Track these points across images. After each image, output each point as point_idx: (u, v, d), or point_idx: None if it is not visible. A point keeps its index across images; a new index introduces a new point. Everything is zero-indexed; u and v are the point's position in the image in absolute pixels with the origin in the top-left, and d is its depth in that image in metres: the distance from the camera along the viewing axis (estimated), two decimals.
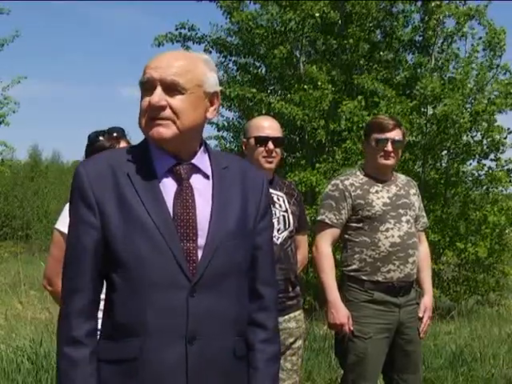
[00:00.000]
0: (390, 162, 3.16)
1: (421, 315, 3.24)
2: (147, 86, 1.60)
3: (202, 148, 1.70)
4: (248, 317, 1.71)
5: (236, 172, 1.72)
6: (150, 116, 1.60)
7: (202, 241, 1.60)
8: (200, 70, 1.64)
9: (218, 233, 1.62)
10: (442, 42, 10.40)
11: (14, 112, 14.38)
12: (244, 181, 1.72)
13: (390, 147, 3.12)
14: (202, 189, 1.65)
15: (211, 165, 1.69)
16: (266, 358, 1.73)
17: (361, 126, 8.85)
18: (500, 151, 9.85)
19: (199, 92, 1.63)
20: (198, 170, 1.66)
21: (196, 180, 1.65)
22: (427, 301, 3.28)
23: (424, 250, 3.38)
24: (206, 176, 1.67)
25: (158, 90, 1.58)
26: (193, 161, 1.66)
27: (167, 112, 1.59)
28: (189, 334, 1.56)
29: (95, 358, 1.57)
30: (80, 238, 1.59)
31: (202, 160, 1.68)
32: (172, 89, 1.59)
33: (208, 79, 1.65)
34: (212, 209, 1.63)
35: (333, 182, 3.25)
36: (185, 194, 1.62)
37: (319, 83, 9.22)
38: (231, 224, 1.64)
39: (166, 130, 1.59)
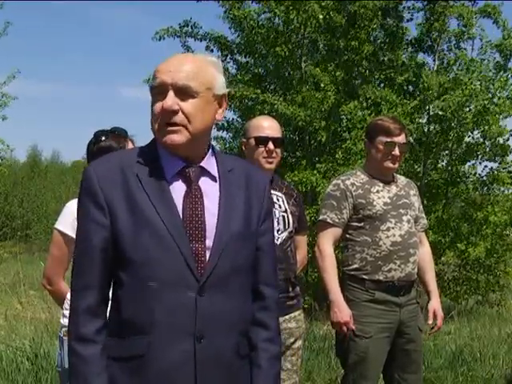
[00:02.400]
0: (396, 165, 3.19)
1: (430, 322, 3.24)
2: (159, 90, 1.61)
3: (210, 151, 1.72)
4: (251, 317, 1.74)
5: (240, 174, 1.74)
6: (163, 121, 1.61)
7: (209, 242, 1.63)
8: (210, 72, 1.65)
9: (225, 234, 1.64)
10: (448, 43, 10.37)
11: (6, 105, 14.37)
12: (248, 183, 1.74)
13: (397, 151, 3.14)
14: (209, 191, 1.67)
15: (218, 167, 1.71)
16: (269, 357, 1.76)
17: (361, 126, 8.85)
18: (508, 152, 9.82)
19: (209, 95, 1.64)
20: (205, 173, 1.69)
21: (204, 182, 1.68)
22: (435, 303, 3.27)
23: (426, 251, 3.38)
24: (214, 178, 1.70)
25: (171, 93, 1.59)
26: (201, 163, 1.68)
27: (180, 116, 1.60)
28: (197, 332, 1.59)
29: (105, 356, 1.59)
30: (90, 237, 1.61)
31: (209, 162, 1.70)
32: (183, 93, 1.60)
33: (217, 82, 1.67)
34: (219, 211, 1.66)
35: (334, 182, 3.25)
36: (194, 196, 1.64)
37: (322, 85, 9.21)
38: (236, 226, 1.67)
39: (178, 137, 1.61)
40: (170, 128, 1.60)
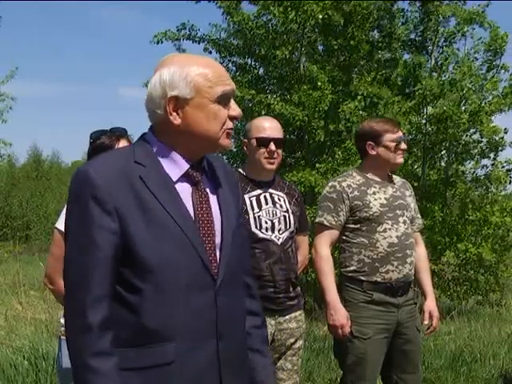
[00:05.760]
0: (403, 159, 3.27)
1: (426, 322, 3.25)
2: (225, 98, 1.63)
3: None
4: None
5: (221, 170, 1.77)
6: (230, 126, 1.65)
7: (218, 239, 1.65)
8: None
9: (229, 230, 1.67)
10: (443, 42, 10.38)
11: (10, 108, 14.33)
12: (227, 179, 1.77)
13: (404, 145, 3.22)
14: (210, 189, 1.69)
15: (208, 164, 1.73)
16: (261, 341, 1.84)
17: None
18: (500, 149, 9.85)
19: None
20: (204, 171, 1.70)
21: (205, 181, 1.69)
22: (431, 304, 3.27)
23: (421, 251, 3.38)
24: (208, 176, 1.71)
25: (233, 101, 1.66)
26: (203, 163, 1.70)
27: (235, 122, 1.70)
28: (219, 331, 1.60)
29: (119, 368, 1.51)
30: (99, 244, 1.50)
31: (204, 161, 1.72)
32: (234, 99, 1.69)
33: None
34: (220, 208, 1.68)
35: (330, 184, 3.25)
36: (203, 196, 1.65)
37: (319, 83, 9.20)
38: (234, 221, 1.71)
39: (231, 140, 1.71)
40: (231, 132, 1.66)
